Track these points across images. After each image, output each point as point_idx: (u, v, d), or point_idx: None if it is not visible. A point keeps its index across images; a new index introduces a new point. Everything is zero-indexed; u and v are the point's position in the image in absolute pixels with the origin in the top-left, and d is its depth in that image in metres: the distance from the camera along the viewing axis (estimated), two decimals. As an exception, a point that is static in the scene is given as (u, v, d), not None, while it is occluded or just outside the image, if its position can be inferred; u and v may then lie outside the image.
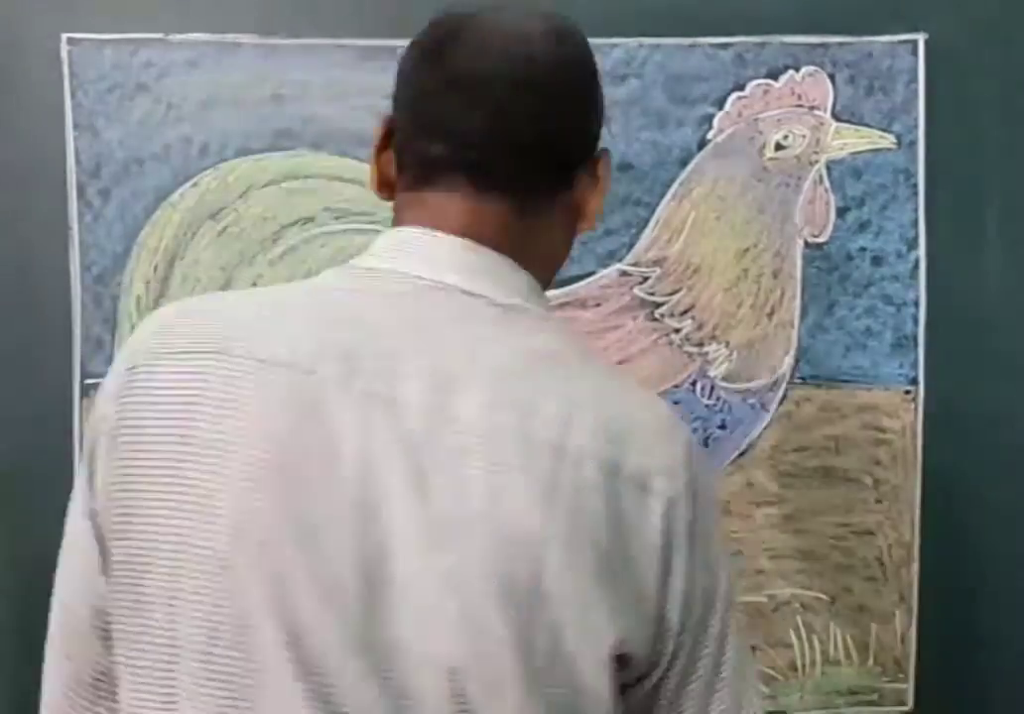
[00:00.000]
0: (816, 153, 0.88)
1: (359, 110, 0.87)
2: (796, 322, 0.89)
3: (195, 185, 0.87)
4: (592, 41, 0.86)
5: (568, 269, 0.88)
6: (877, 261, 0.90)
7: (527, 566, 0.46)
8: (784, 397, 0.90)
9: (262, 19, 0.87)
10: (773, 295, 0.89)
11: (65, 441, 0.88)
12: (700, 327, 0.88)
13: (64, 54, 0.86)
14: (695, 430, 0.88)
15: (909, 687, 0.93)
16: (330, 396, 0.47)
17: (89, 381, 0.88)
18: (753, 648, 0.92)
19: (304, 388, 0.48)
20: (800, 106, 0.88)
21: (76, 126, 0.87)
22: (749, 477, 0.90)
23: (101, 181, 0.87)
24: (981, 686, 0.93)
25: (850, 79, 0.88)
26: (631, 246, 0.89)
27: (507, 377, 0.49)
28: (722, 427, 0.89)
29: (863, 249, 0.90)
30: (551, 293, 0.88)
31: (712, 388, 0.89)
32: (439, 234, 0.53)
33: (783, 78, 0.88)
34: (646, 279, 0.89)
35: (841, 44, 0.88)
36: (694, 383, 0.88)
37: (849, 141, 0.88)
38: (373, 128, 0.59)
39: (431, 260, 0.52)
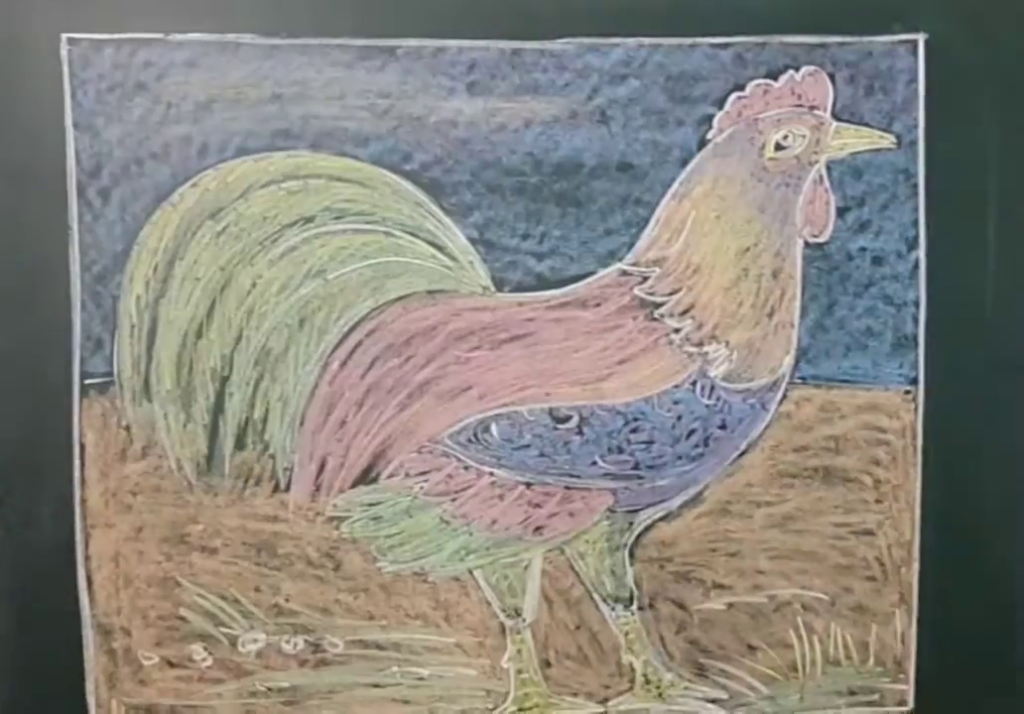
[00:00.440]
0: (816, 153, 0.88)
1: (359, 110, 0.87)
2: (796, 322, 0.89)
3: (195, 185, 0.87)
4: (592, 41, 0.88)
5: (568, 269, 0.88)
6: (877, 261, 0.90)
7: None
8: (784, 397, 0.90)
9: (262, 19, 0.87)
10: (773, 295, 0.89)
11: (64, 441, 0.88)
12: (700, 327, 0.88)
13: (64, 54, 0.86)
14: (695, 430, 0.88)
15: (910, 687, 0.93)
16: None
17: (88, 381, 0.88)
18: (753, 648, 0.92)
19: None
20: (800, 106, 0.88)
21: (76, 126, 0.87)
22: (749, 477, 0.91)
23: (101, 181, 0.87)
24: (982, 686, 0.93)
25: (850, 79, 0.88)
26: (631, 246, 0.89)
27: None
28: (722, 427, 0.89)
29: (863, 249, 0.90)
30: (551, 293, 0.89)
31: (712, 388, 0.89)
32: None
33: (783, 78, 0.88)
34: (646, 279, 0.89)
35: (841, 44, 0.88)
36: (694, 383, 0.88)
37: (849, 141, 0.88)
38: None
39: None
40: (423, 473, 0.89)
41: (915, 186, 0.89)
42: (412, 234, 0.89)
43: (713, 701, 0.92)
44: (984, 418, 0.91)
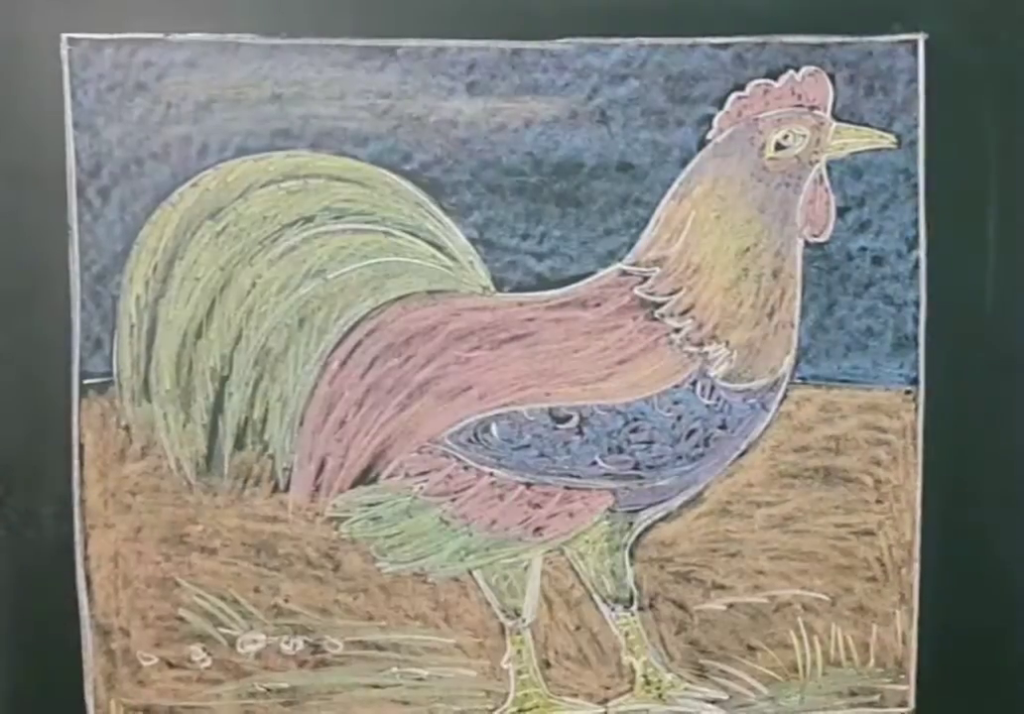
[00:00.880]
0: (816, 153, 0.88)
1: (359, 110, 0.87)
2: (796, 322, 0.89)
3: (195, 185, 0.87)
4: (592, 41, 0.88)
5: (568, 269, 0.88)
6: (877, 261, 0.90)
7: None
8: (784, 397, 0.90)
9: (262, 19, 0.87)
10: (773, 295, 0.89)
11: (63, 441, 0.88)
12: (700, 327, 0.88)
13: (64, 54, 0.86)
14: (695, 430, 0.88)
15: (910, 688, 0.93)
16: None
17: (88, 381, 0.88)
18: (753, 649, 0.92)
19: None
20: (800, 106, 0.88)
21: (76, 126, 0.87)
22: (749, 477, 0.90)
23: (101, 181, 0.87)
24: (983, 686, 0.93)
25: (850, 79, 0.88)
26: (631, 246, 0.89)
27: None
28: (722, 427, 0.89)
29: (863, 249, 0.90)
30: (551, 293, 0.89)
31: (712, 388, 0.88)
32: None
33: (783, 78, 0.88)
34: (646, 279, 0.89)
35: (841, 44, 0.88)
36: (694, 383, 0.88)
37: (849, 141, 0.88)
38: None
39: None
40: (423, 473, 0.89)
41: (915, 186, 0.89)
42: (412, 234, 0.89)
43: (713, 702, 0.92)
44: (984, 418, 0.91)
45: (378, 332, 0.89)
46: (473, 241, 0.89)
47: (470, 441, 0.88)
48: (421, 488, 0.89)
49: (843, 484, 0.91)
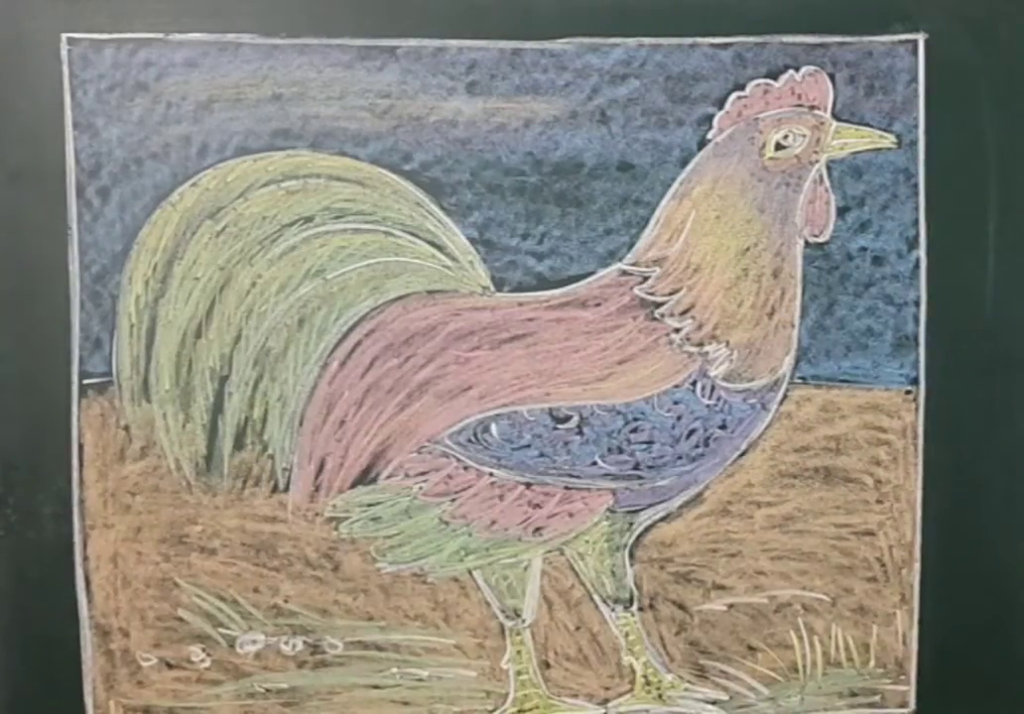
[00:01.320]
0: (816, 153, 0.88)
1: (359, 110, 0.87)
2: (796, 322, 0.89)
3: (194, 185, 0.87)
4: (592, 41, 0.88)
5: (568, 269, 0.88)
6: (877, 261, 0.90)
7: None
8: (784, 397, 0.90)
9: (262, 19, 0.87)
10: (773, 295, 0.89)
11: (63, 441, 0.88)
12: (700, 327, 0.88)
13: (64, 54, 0.86)
14: (695, 430, 0.88)
15: (911, 688, 0.93)
16: None
17: (87, 381, 0.88)
18: (753, 649, 0.92)
19: None
20: (800, 106, 0.88)
21: (76, 126, 0.87)
22: (750, 477, 0.90)
23: (100, 181, 0.87)
24: (983, 686, 0.93)
25: (850, 79, 0.88)
26: (631, 246, 0.89)
27: None
28: (722, 427, 0.89)
29: (863, 249, 0.90)
30: (551, 293, 0.89)
31: (712, 388, 0.88)
32: None
33: (783, 78, 0.88)
34: (646, 279, 0.89)
35: (841, 44, 0.88)
36: (694, 383, 0.88)
37: (849, 141, 0.88)
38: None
39: None
40: (423, 473, 0.89)
41: (915, 186, 0.89)
42: (412, 234, 0.89)
43: (713, 702, 0.92)
44: (985, 418, 0.91)
45: (378, 332, 0.89)
46: (473, 241, 0.89)
47: (470, 441, 0.88)
48: (421, 488, 0.89)
49: (843, 484, 0.91)
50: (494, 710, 0.92)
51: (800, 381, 0.90)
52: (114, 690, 0.90)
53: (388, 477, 0.89)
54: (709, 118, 0.88)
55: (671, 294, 0.88)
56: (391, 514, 0.89)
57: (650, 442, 0.88)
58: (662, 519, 0.91)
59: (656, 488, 0.89)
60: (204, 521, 0.89)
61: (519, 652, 0.91)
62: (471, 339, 0.88)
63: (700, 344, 0.88)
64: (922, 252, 0.90)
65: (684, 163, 0.88)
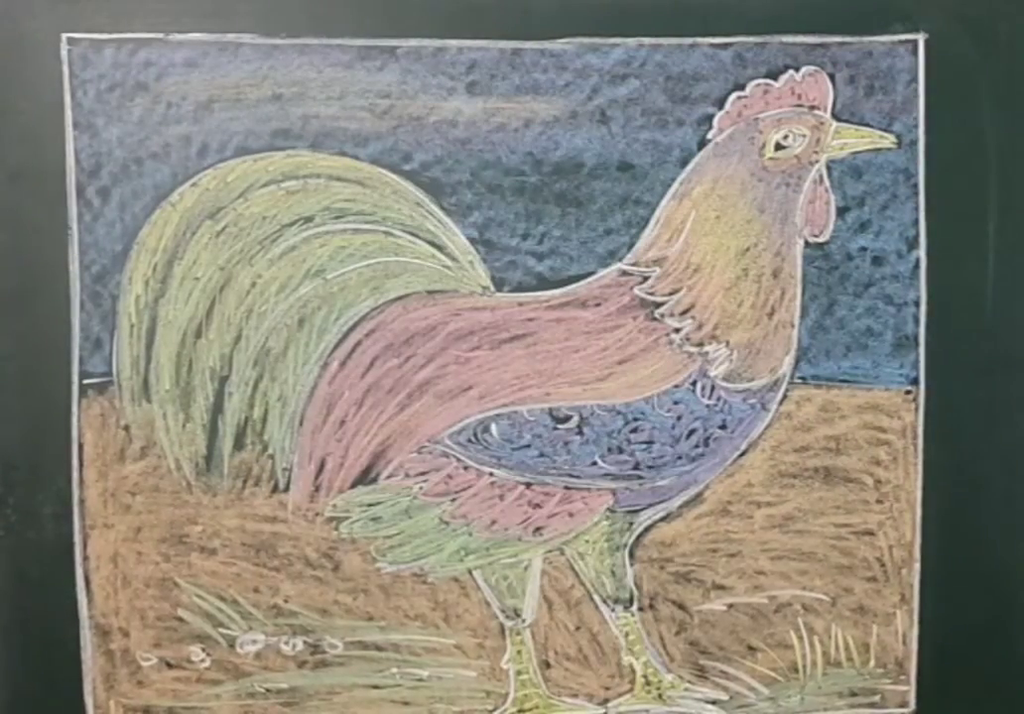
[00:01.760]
0: (816, 153, 0.88)
1: (359, 110, 0.87)
2: (796, 322, 0.89)
3: (194, 185, 0.87)
4: (592, 41, 0.88)
5: (568, 269, 0.88)
6: (877, 261, 0.90)
7: None
8: (784, 397, 0.90)
9: (262, 19, 0.87)
10: (773, 295, 0.89)
11: (63, 441, 0.88)
12: (700, 327, 0.88)
13: (64, 54, 0.86)
14: (695, 430, 0.88)
15: (911, 688, 0.93)
16: None
17: (88, 381, 0.88)
18: (753, 649, 0.92)
19: None
20: (800, 106, 0.88)
21: (76, 126, 0.87)
22: (750, 477, 0.90)
23: (101, 181, 0.87)
24: (983, 686, 0.93)
25: (850, 79, 0.88)
26: (631, 246, 0.89)
27: None
28: (722, 427, 0.89)
29: (863, 249, 0.90)
30: (551, 293, 0.89)
31: (712, 388, 0.88)
32: None
33: (783, 78, 0.88)
34: (646, 279, 0.89)
35: (841, 44, 0.88)
36: (694, 383, 0.88)
37: (849, 141, 0.88)
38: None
39: None
40: (423, 473, 0.89)
41: (915, 186, 0.89)
42: (412, 234, 0.89)
43: (713, 702, 0.92)
44: (985, 418, 0.91)
45: (378, 332, 0.89)
46: (473, 241, 0.89)
47: (470, 441, 0.88)
48: (421, 488, 0.89)
49: (843, 484, 0.91)
50: (494, 710, 0.92)
51: (800, 381, 0.90)
52: (114, 690, 0.90)
53: (388, 477, 0.89)
54: (709, 118, 0.88)
55: (671, 294, 0.88)
56: (391, 514, 0.89)
57: (650, 442, 0.88)
58: (662, 519, 0.91)
59: (656, 488, 0.89)
60: (204, 521, 0.89)
61: (519, 652, 0.91)
62: (471, 339, 0.88)
63: (700, 344, 0.88)
64: (922, 252, 0.90)
65: (684, 163, 0.88)
